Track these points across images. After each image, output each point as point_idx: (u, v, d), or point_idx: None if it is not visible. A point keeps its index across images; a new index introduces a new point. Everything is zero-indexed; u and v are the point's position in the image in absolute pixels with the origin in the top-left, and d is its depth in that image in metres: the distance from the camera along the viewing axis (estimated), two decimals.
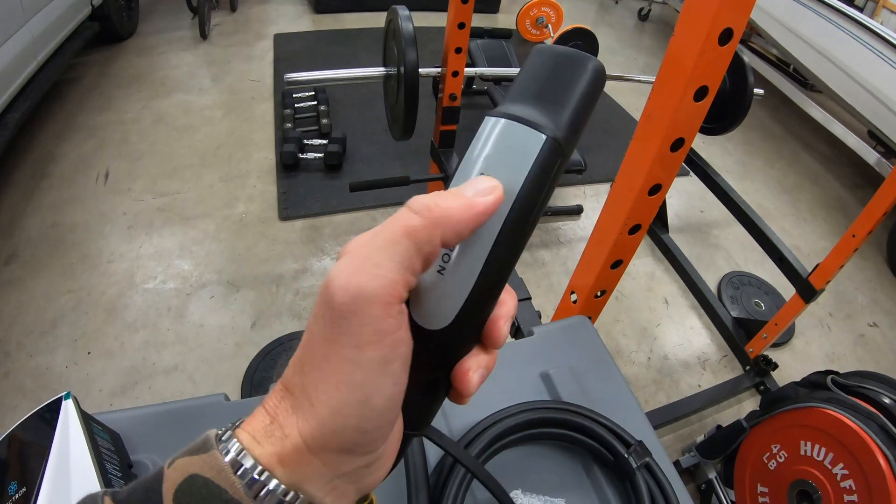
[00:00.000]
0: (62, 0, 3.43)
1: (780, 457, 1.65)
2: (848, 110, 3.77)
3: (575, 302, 1.11)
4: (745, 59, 2.53)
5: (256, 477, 0.29)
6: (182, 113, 3.64)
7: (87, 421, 0.61)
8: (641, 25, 6.12)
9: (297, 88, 3.76)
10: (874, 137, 3.78)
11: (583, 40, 4.14)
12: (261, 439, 0.30)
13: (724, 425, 1.91)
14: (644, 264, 2.97)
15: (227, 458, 0.30)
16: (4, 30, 2.81)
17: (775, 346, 2.66)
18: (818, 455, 1.54)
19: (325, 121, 3.45)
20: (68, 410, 0.59)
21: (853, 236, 1.89)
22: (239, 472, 0.29)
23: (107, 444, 0.62)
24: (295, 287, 2.52)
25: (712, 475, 1.98)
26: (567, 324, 0.93)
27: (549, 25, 4.99)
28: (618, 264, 1.03)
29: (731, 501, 1.86)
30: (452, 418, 0.73)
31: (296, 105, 3.62)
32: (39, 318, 2.34)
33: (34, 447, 0.57)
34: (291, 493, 0.30)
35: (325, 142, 3.26)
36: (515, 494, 0.59)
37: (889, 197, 1.79)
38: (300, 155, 3.16)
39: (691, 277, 2.72)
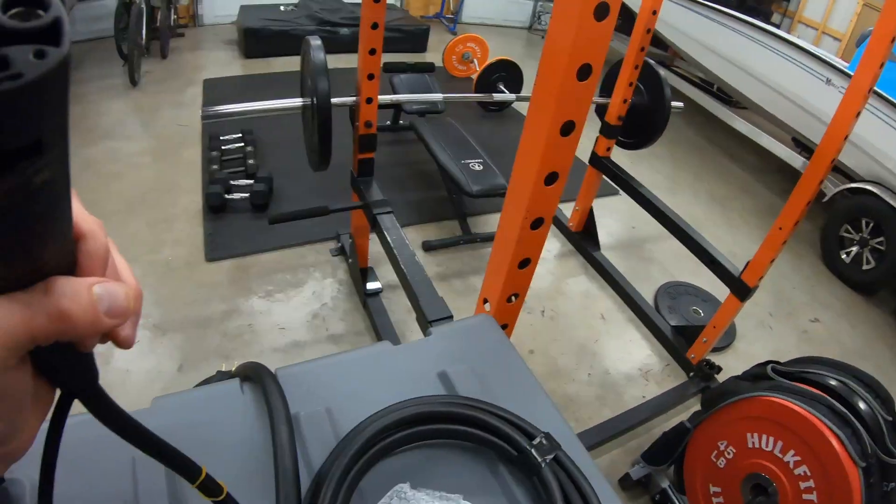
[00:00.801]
0: None
1: (729, 453, 1.64)
2: (772, 121, 3.92)
3: (488, 310, 1.09)
4: (661, 72, 2.60)
5: None
6: (110, 160, 3.55)
7: None
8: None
9: (224, 131, 3.72)
10: (798, 143, 3.93)
11: (507, 72, 4.22)
12: None
13: None
14: (578, 283, 2.99)
15: None
16: None
17: (718, 349, 2.69)
18: (767, 445, 1.53)
19: (251, 161, 3.40)
20: None
21: (780, 229, 1.94)
22: None
23: None
24: (222, 328, 2.45)
25: (665, 484, 1.95)
26: (469, 323, 0.90)
27: (475, 60, 5.09)
28: (526, 263, 1.01)
29: None
30: (340, 420, 0.69)
31: (223, 147, 3.58)
32: None
33: None
34: None
35: (251, 182, 3.21)
36: (400, 488, 0.55)
37: (809, 188, 1.85)
38: (227, 196, 3.10)
39: (626, 291, 2.74)
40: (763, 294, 3.03)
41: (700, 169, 4.22)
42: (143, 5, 4.58)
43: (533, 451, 0.64)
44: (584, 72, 0.77)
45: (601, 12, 0.73)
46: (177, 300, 2.57)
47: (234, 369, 0.81)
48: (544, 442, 0.66)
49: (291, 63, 5.14)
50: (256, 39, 5.32)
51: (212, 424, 0.69)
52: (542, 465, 0.63)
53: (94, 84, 4.60)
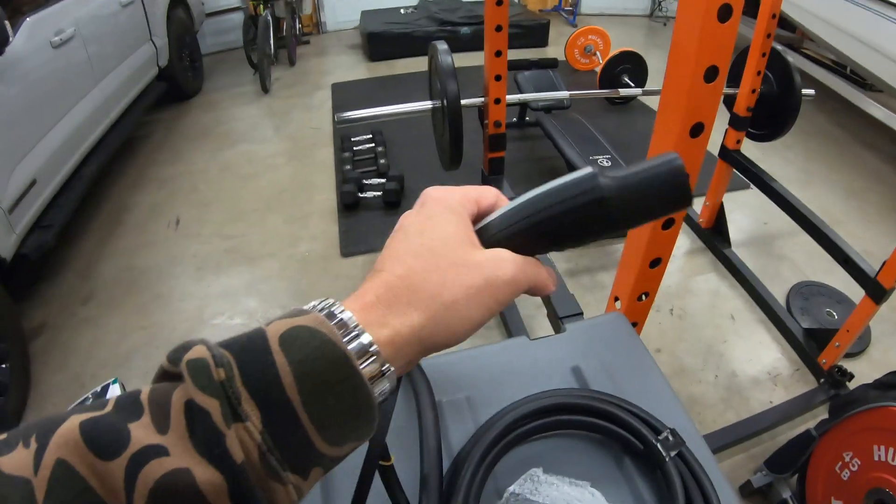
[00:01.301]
0: (131, 62, 3.69)
1: (853, 465, 1.56)
2: None
3: (619, 308, 1.12)
4: (790, 59, 2.49)
5: (367, 348, 0.35)
6: (246, 162, 3.81)
7: None
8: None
9: (355, 132, 3.90)
10: None
11: (630, 63, 4.15)
12: (373, 325, 0.37)
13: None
14: (707, 280, 2.91)
15: (334, 322, 0.36)
16: (78, 90, 3.06)
17: (850, 355, 2.54)
18: (893, 459, 1.44)
19: (382, 161, 3.56)
20: (114, 392, 0.63)
21: None
22: (348, 339, 0.35)
23: None
24: None
25: (787, 495, 1.88)
26: (602, 320, 0.93)
27: (598, 53, 5.03)
28: (656, 263, 1.03)
29: None
30: (479, 407, 0.75)
31: (354, 148, 3.76)
32: (113, 352, 2.48)
33: None
34: (387, 366, 0.36)
35: (383, 181, 3.37)
36: (534, 472, 0.60)
37: None
38: (360, 194, 3.27)
39: (757, 290, 2.65)
40: None
41: (834, 159, 3.98)
42: (270, 17, 4.88)
43: (658, 444, 0.67)
44: (711, 73, 0.80)
45: (724, 14, 0.75)
46: (314, 292, 2.74)
47: None
48: (670, 437, 0.68)
49: (414, 64, 5.30)
50: (379, 43, 5.52)
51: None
52: (667, 459, 0.66)
53: (226, 92, 4.95)
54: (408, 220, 0.43)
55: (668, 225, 0.98)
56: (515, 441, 0.68)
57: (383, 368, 0.36)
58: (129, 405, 0.31)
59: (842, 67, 4.36)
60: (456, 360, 0.83)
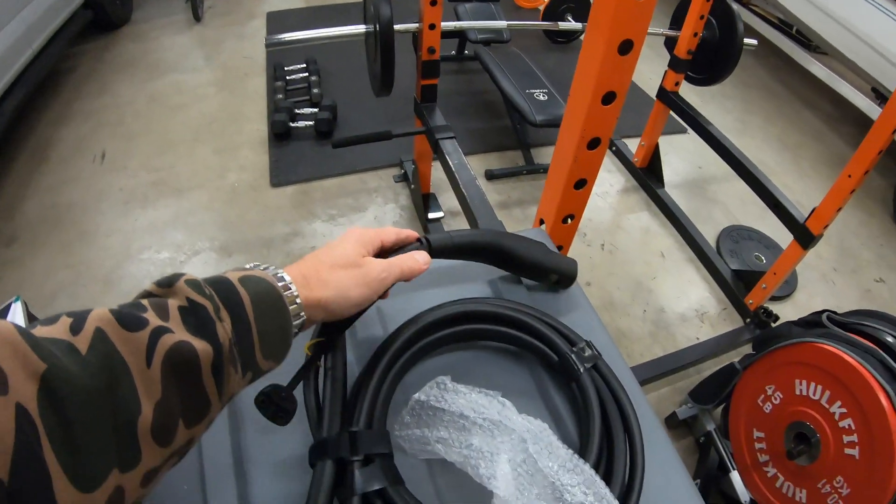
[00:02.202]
0: None
1: (776, 398, 1.61)
2: (852, 68, 3.69)
3: (544, 230, 1.09)
4: (734, 7, 2.48)
5: (294, 297, 0.52)
6: (176, 92, 3.64)
7: (32, 319, 0.61)
8: None
9: (288, 61, 3.75)
10: (879, 95, 3.71)
11: (575, 2, 4.08)
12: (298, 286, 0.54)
13: None
14: (639, 219, 2.95)
15: (276, 276, 0.53)
16: None
17: (777, 299, 2.62)
18: (814, 394, 1.49)
19: (315, 90, 3.44)
20: (16, 311, 0.62)
21: (849, 176, 1.85)
22: (282, 287, 0.52)
23: None
24: (286, 249, 2.54)
25: (711, 427, 1.94)
26: (525, 234, 0.90)
27: None
28: (582, 184, 1.01)
29: (730, 453, 1.81)
30: (390, 319, 0.72)
31: (287, 77, 3.61)
32: (39, 293, 2.37)
33: None
34: (302, 313, 0.53)
35: (315, 110, 3.26)
36: (442, 380, 0.57)
37: (882, 136, 1.77)
38: (291, 124, 3.16)
39: (688, 231, 2.70)
40: (828, 248, 2.93)
41: (772, 113, 4.04)
42: None
43: (573, 356, 0.65)
44: None
45: None
46: (242, 223, 2.67)
47: None
48: (586, 349, 0.66)
49: None
50: None
51: None
52: (581, 371, 0.64)
53: (157, 21, 4.67)
54: (330, 243, 0.62)
55: (593, 145, 0.96)
56: (424, 351, 0.65)
57: (301, 313, 0.52)
58: (136, 306, 0.43)
59: (788, 27, 4.40)
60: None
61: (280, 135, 3.13)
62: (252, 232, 2.62)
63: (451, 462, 0.53)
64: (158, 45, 4.26)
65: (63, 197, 2.83)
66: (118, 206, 2.78)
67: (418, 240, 0.69)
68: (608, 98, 0.88)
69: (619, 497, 0.54)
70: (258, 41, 4.26)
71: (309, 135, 3.19)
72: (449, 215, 2.72)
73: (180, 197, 2.81)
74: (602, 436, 0.60)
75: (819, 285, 2.76)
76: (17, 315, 0.59)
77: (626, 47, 0.82)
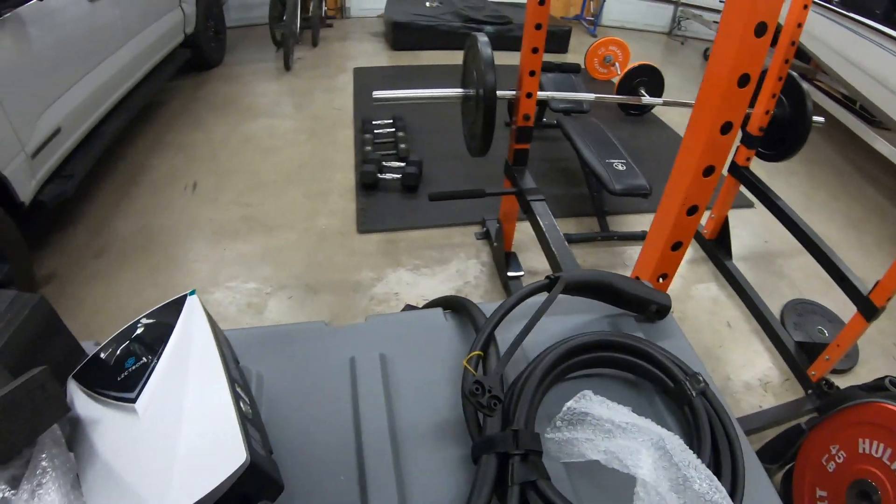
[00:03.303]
0: (160, 25, 3.78)
1: (839, 457, 1.66)
2: None
3: None
4: (804, 85, 2.60)
5: None
6: (268, 135, 3.90)
7: (209, 316, 0.67)
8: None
9: (376, 116, 4.00)
10: None
11: (647, 76, 4.25)
12: None
13: None
14: (707, 289, 3.02)
15: None
16: (107, 46, 3.14)
17: (839, 372, 2.65)
18: (877, 452, 1.54)
19: (402, 146, 3.66)
20: (193, 303, 0.66)
21: None
22: None
23: (223, 338, 0.69)
24: (370, 293, 2.68)
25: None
26: None
27: (617, 64, 5.13)
28: (678, 246, 1.13)
29: None
30: (528, 347, 0.84)
31: (375, 131, 3.86)
32: (125, 306, 2.55)
33: (157, 332, 0.63)
34: None
35: (402, 164, 3.48)
36: (586, 393, 0.69)
37: None
38: (379, 175, 3.37)
39: (754, 302, 2.75)
40: (890, 323, 2.94)
41: (836, 189, 4.09)
42: None
43: (687, 383, 0.76)
44: (744, 80, 0.90)
45: (760, 30, 0.85)
46: (329, 265, 2.83)
47: (430, 301, 0.99)
48: (699, 379, 0.78)
49: (436, 57, 5.41)
50: (403, 32, 5.61)
51: (423, 342, 0.86)
52: (694, 395, 0.75)
53: (248, 66, 5.03)
54: None
55: (692, 212, 1.08)
56: (564, 372, 0.78)
57: None
58: None
59: (851, 102, 4.47)
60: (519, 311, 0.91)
61: (368, 185, 3.33)
62: (338, 274, 2.78)
63: (590, 464, 0.64)
64: (251, 89, 4.58)
65: (154, 220, 3.06)
66: (207, 234, 2.99)
67: (547, 277, 0.79)
68: (709, 171, 1.01)
69: None
70: (346, 94, 4.54)
71: (395, 187, 3.39)
72: (528, 274, 2.83)
73: (269, 234, 3.00)
74: (711, 450, 0.71)
75: (880, 360, 2.77)
76: (195, 308, 0.66)
77: (728, 128, 0.95)
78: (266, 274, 2.76)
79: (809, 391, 2.44)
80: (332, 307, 2.59)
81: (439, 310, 0.92)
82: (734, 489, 0.69)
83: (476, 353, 0.74)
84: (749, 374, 2.59)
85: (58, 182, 2.67)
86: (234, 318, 2.51)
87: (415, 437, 0.72)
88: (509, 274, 2.76)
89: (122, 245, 2.89)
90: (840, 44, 4.23)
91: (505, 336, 0.82)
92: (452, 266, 2.90)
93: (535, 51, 2.05)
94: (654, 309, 0.91)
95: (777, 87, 2.58)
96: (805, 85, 2.65)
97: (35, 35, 2.50)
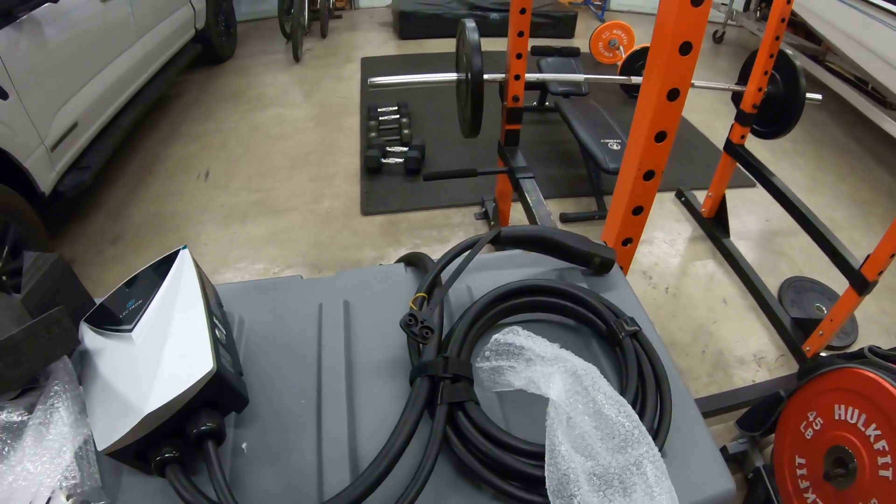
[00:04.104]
0: (171, 21, 3.88)
1: (816, 424, 1.68)
2: None
3: None
4: (797, 62, 2.61)
5: None
6: (276, 124, 3.99)
7: (198, 266, 0.79)
8: (717, 48, 6.18)
9: (381, 103, 4.08)
10: None
11: None
12: None
13: None
14: (704, 266, 3.06)
15: None
16: (121, 43, 3.26)
17: (837, 348, 2.66)
18: (852, 418, 1.56)
19: (406, 131, 3.75)
20: (184, 256, 0.78)
21: None
22: None
23: (210, 285, 0.81)
24: None
25: (760, 463, 2.00)
26: None
27: (621, 47, 5.14)
28: (639, 210, 1.19)
29: (776, 490, 1.85)
30: (475, 291, 0.91)
31: (380, 118, 3.94)
32: None
33: (153, 277, 0.76)
34: None
35: (405, 149, 3.56)
36: (515, 328, 0.75)
37: None
38: (383, 160, 3.46)
39: (751, 279, 2.79)
40: (892, 302, 2.97)
41: (844, 170, 4.08)
42: None
43: (617, 325, 0.82)
44: (686, 48, 0.96)
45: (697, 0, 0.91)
46: (333, 244, 2.93)
47: (399, 258, 1.06)
48: (629, 323, 0.83)
49: (443, 45, 5.46)
50: (410, 22, 5.66)
51: (384, 292, 0.94)
52: (622, 337, 0.81)
53: (258, 59, 5.13)
54: None
55: (648, 176, 1.14)
56: (502, 313, 0.85)
57: None
58: None
59: (863, 83, 4.45)
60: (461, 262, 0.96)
61: (372, 169, 3.42)
62: (342, 253, 2.87)
63: (522, 395, 0.70)
64: (261, 80, 4.67)
65: (167, 206, 3.17)
66: (219, 219, 3.09)
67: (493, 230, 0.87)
68: (660, 137, 1.07)
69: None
70: (354, 83, 4.61)
71: (398, 171, 3.48)
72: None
73: (277, 217, 3.10)
74: (638, 387, 0.76)
75: (881, 338, 2.78)
76: (185, 260, 0.78)
77: (674, 95, 1.01)
78: (273, 255, 2.85)
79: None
80: None
81: (401, 265, 0.99)
82: (659, 426, 0.74)
83: (420, 294, 0.81)
84: (743, 350, 2.62)
85: (76, 173, 2.79)
86: None
87: (367, 370, 0.81)
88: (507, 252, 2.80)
89: (138, 230, 3.00)
90: (850, 25, 4.20)
91: (457, 286, 0.90)
92: (451, 245, 2.92)
93: (520, 34, 2.11)
94: (598, 262, 0.97)
95: (769, 63, 2.60)
96: (798, 61, 2.67)
97: (51, 35, 2.61)
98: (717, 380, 2.47)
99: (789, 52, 2.65)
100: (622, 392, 0.76)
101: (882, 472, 1.47)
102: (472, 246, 0.89)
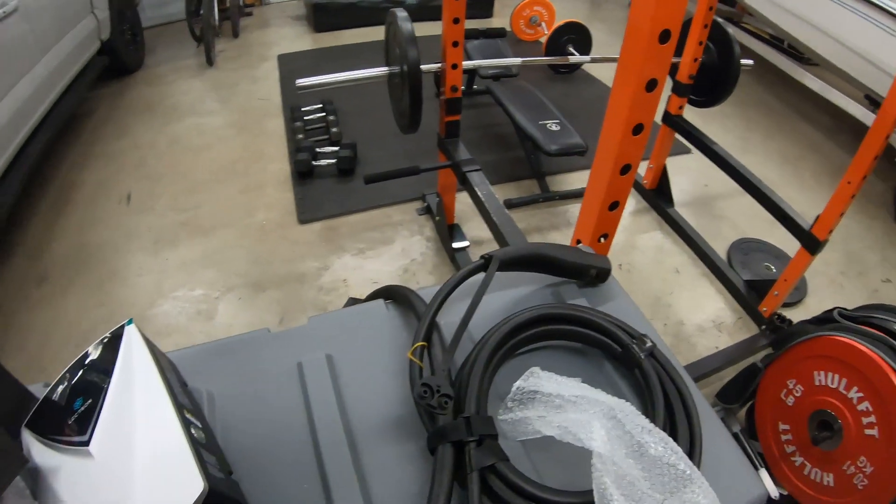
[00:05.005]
0: (73, 35, 3.59)
1: (797, 391, 1.71)
2: (844, 77, 3.83)
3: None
4: (730, 30, 2.62)
5: None
6: (196, 134, 3.79)
7: (149, 343, 0.65)
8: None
9: (304, 102, 3.92)
10: (872, 101, 3.84)
11: (575, 33, 4.25)
12: None
13: None
14: (652, 238, 3.07)
15: None
16: (20, 67, 2.97)
17: (789, 305, 2.72)
18: (833, 383, 1.60)
19: (334, 129, 3.60)
20: (132, 333, 0.64)
21: (848, 183, 1.97)
22: None
23: (167, 364, 0.68)
24: (318, 284, 2.64)
25: (736, 429, 2.03)
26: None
27: (543, 23, 5.11)
28: (615, 206, 1.13)
29: (758, 453, 1.90)
30: (473, 327, 0.82)
31: (305, 118, 3.78)
32: (73, 331, 2.46)
33: (101, 367, 0.61)
34: None
35: (336, 149, 3.41)
36: (534, 370, 0.68)
37: (876, 143, 1.88)
38: (314, 162, 3.31)
39: (700, 246, 2.81)
40: (834, 254, 3.04)
41: (771, 128, 4.18)
42: None
43: (634, 347, 0.76)
44: (665, 36, 0.89)
45: None
46: (273, 259, 2.78)
47: (371, 293, 0.96)
48: (645, 340, 0.77)
49: (360, 35, 5.32)
50: (325, 14, 5.49)
51: (367, 337, 0.84)
52: (642, 358, 0.75)
53: (169, 65, 4.87)
54: None
55: (625, 171, 1.08)
56: (511, 350, 0.77)
57: None
58: None
59: (779, 41, 4.55)
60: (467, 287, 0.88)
61: (303, 173, 3.27)
62: (283, 267, 2.73)
63: (546, 439, 0.63)
64: (174, 88, 4.43)
65: (91, 237, 2.94)
66: (148, 245, 2.89)
67: (482, 257, 0.79)
68: (638, 129, 1.00)
69: None
70: (272, 83, 4.43)
71: (331, 173, 3.34)
72: (474, 244, 2.83)
73: (210, 236, 2.92)
74: (665, 410, 0.71)
75: (828, 290, 2.86)
76: (133, 338, 0.65)
77: (652, 85, 0.94)
78: (211, 278, 2.69)
79: (763, 327, 2.51)
80: (280, 302, 2.54)
81: (381, 301, 0.89)
82: (692, 445, 0.70)
83: (419, 343, 0.72)
84: (702, 317, 2.64)
85: None
86: (185, 328, 2.44)
87: (371, 434, 0.71)
88: (454, 245, 2.75)
89: (63, 268, 2.77)
90: None
91: (448, 319, 0.81)
92: (397, 245, 2.88)
93: (455, 21, 2.01)
94: (594, 273, 0.90)
95: (703, 34, 2.60)
96: (731, 29, 2.68)
97: None
98: (681, 351, 2.48)
99: (720, 20, 2.65)
100: (651, 419, 0.69)
101: (868, 431, 1.51)
102: (462, 280, 0.80)
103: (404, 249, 2.85)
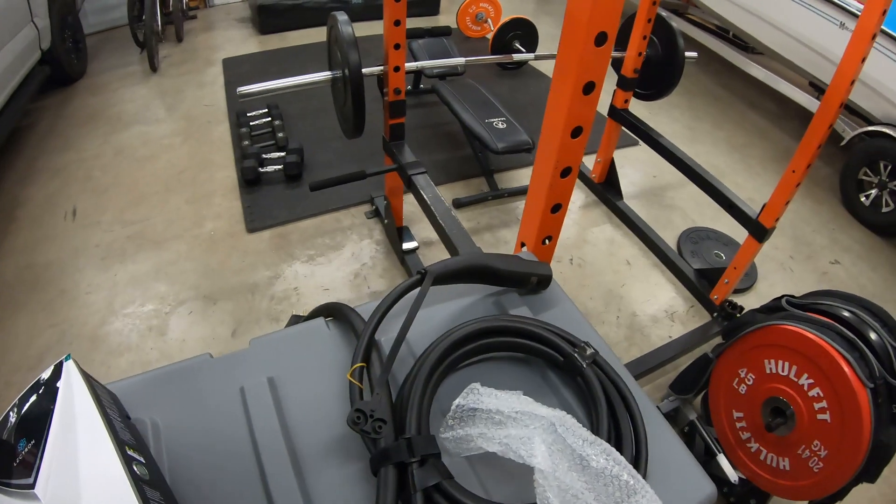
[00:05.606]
0: (13, 46, 3.46)
1: (749, 380, 1.75)
2: (788, 66, 3.92)
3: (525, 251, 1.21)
4: (674, 24, 2.66)
5: None
6: (141, 144, 3.69)
7: (88, 378, 0.66)
8: None
9: (250, 107, 3.85)
10: (816, 88, 3.94)
11: (521, 29, 4.27)
12: None
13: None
14: (602, 231, 3.10)
15: None
16: None
17: (740, 291, 2.78)
18: (784, 371, 1.64)
19: (280, 134, 3.54)
20: (70, 370, 0.64)
21: (793, 171, 2.02)
22: None
23: (108, 398, 0.67)
24: (270, 293, 2.60)
25: (692, 416, 2.07)
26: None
27: (489, 20, 5.12)
28: (557, 208, 1.13)
29: (715, 439, 1.93)
30: (414, 343, 0.82)
31: (251, 123, 3.70)
32: (24, 354, 2.37)
33: (42, 407, 0.61)
34: None
35: (282, 154, 3.36)
36: (474, 386, 0.68)
37: (819, 131, 1.92)
38: (260, 169, 3.25)
39: (650, 237, 2.84)
40: (783, 238, 3.11)
41: (718, 118, 4.27)
42: None
43: (576, 355, 0.76)
44: (601, 38, 0.89)
45: None
46: (224, 270, 2.73)
47: (312, 310, 0.95)
48: (586, 348, 0.78)
49: (306, 36, 5.26)
50: (270, 15, 5.40)
51: (309, 357, 0.83)
52: (584, 366, 0.75)
53: (113, 73, 4.73)
54: None
55: (565, 174, 1.08)
56: (451, 366, 0.76)
57: None
58: None
59: (725, 32, 4.64)
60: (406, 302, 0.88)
61: (250, 181, 3.21)
62: (235, 278, 2.68)
63: (492, 453, 0.63)
64: (118, 97, 4.31)
65: (38, 256, 2.84)
66: (96, 261, 2.80)
67: (418, 272, 0.78)
68: (576, 132, 1.00)
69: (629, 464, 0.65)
70: (217, 88, 4.35)
71: (279, 178, 3.28)
72: (423, 245, 2.83)
73: (159, 248, 2.85)
74: (609, 417, 0.71)
75: (778, 274, 2.93)
76: (72, 375, 0.64)
77: (590, 88, 0.94)
78: (162, 292, 2.62)
79: (715, 314, 2.55)
80: (233, 314, 2.50)
81: (321, 320, 0.88)
82: (637, 451, 0.70)
83: (358, 364, 0.72)
84: (654, 308, 2.68)
85: None
86: (137, 346, 2.38)
87: (315, 457, 0.71)
88: (404, 247, 2.73)
89: (11, 290, 2.67)
90: None
91: (390, 335, 0.80)
92: (347, 250, 2.86)
93: (397, 23, 1.99)
94: (536, 281, 0.90)
95: (647, 28, 2.63)
96: (675, 23, 2.71)
97: None
98: (636, 342, 2.51)
99: (664, 14, 2.69)
100: (595, 427, 0.70)
101: (820, 416, 1.55)
102: (400, 297, 0.79)
103: (354, 254, 2.83)
